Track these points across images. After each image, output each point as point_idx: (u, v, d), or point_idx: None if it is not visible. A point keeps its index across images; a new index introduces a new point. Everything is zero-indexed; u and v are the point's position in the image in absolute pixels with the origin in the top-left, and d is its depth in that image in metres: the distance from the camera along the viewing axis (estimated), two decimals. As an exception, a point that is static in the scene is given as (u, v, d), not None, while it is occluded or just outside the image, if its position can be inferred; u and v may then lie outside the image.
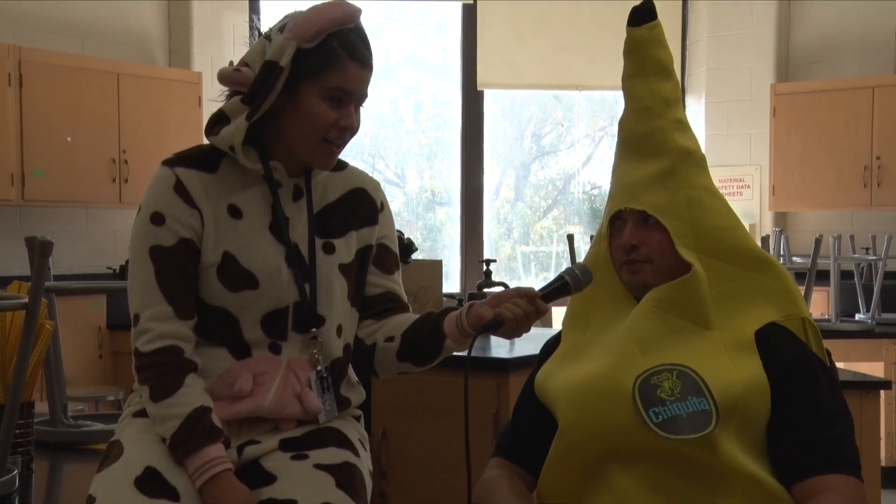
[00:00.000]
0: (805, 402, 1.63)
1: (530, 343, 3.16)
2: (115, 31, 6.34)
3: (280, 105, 1.73)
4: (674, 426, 1.58)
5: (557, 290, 1.74)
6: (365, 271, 1.88)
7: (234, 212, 1.76)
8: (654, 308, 1.70)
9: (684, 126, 1.78)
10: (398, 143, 7.81)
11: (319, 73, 1.70)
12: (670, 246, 1.71)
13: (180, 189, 1.73)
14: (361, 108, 1.79)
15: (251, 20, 6.65)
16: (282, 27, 1.73)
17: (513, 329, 1.72)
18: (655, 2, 1.80)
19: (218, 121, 1.77)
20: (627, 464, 1.64)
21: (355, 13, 1.74)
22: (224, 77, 1.78)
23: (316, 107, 1.72)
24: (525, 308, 1.72)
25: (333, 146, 1.76)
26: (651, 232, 1.72)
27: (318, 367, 1.79)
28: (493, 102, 7.54)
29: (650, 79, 1.77)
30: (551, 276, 7.73)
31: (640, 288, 1.75)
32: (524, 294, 1.73)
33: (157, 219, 1.72)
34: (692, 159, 1.76)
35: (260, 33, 1.79)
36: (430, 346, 1.81)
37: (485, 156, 7.40)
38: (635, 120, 1.78)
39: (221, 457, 1.65)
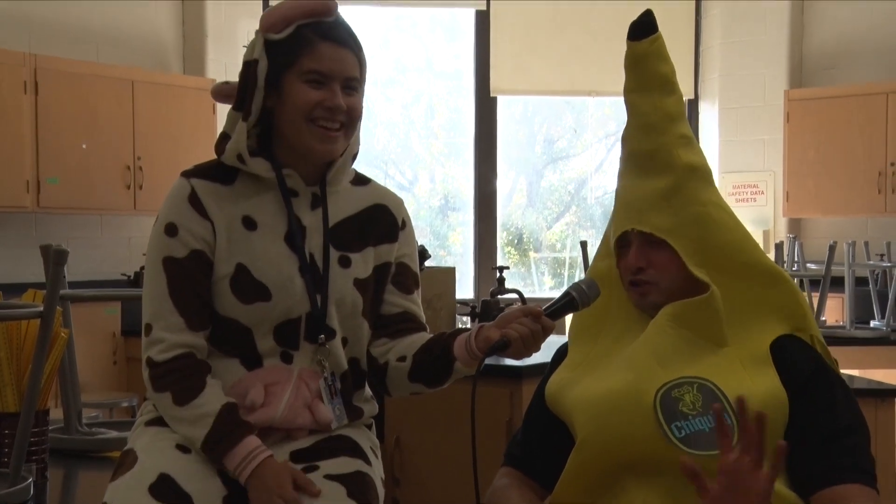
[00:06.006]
0: (821, 413, 1.63)
1: (543, 351, 3.15)
2: (129, 38, 6.37)
3: (271, 104, 1.75)
4: (697, 441, 1.57)
5: (564, 306, 1.72)
6: (382, 289, 1.87)
7: (249, 223, 1.76)
8: (669, 323, 1.69)
9: (689, 140, 1.76)
10: (409, 149, 7.82)
11: (294, 60, 1.72)
12: (678, 265, 1.69)
13: (194, 200, 1.74)
14: (363, 95, 1.78)
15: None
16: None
17: (520, 349, 1.70)
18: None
19: (223, 140, 1.79)
20: (645, 477, 1.63)
21: (331, 7, 1.74)
22: (216, 92, 1.83)
23: (298, 90, 1.72)
24: (531, 326, 1.69)
25: (325, 129, 1.73)
26: (658, 252, 1.71)
27: (325, 375, 1.79)
28: (506, 108, 7.55)
29: (653, 94, 1.74)
30: (564, 281, 7.74)
31: (647, 309, 1.74)
32: (529, 313, 1.70)
33: (171, 230, 1.73)
34: (698, 174, 1.73)
35: None
36: (441, 369, 1.80)
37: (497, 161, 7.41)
38: (639, 136, 1.76)
39: (260, 446, 1.66)
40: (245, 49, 1.80)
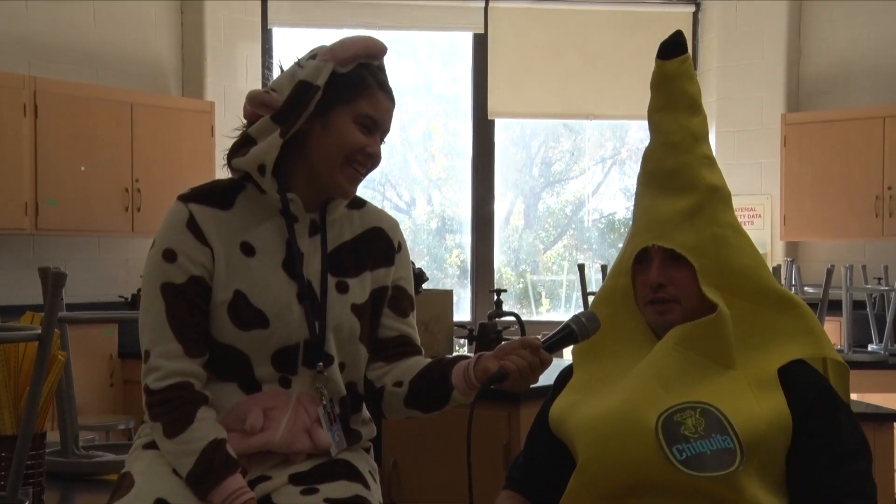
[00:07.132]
0: (825, 438, 1.63)
1: (542, 377, 3.14)
2: (129, 61, 6.39)
3: (308, 127, 1.74)
4: (698, 463, 1.57)
5: (563, 339, 1.71)
6: (379, 313, 1.87)
7: (247, 249, 1.76)
8: (676, 346, 1.69)
9: (711, 162, 1.77)
10: (407, 171, 7.84)
11: (352, 98, 1.73)
12: (696, 285, 1.69)
13: (193, 226, 1.73)
14: (383, 143, 1.81)
15: (263, 57, 6.68)
16: (313, 56, 1.77)
17: (517, 381, 1.69)
18: (666, 32, 1.79)
19: (243, 144, 1.77)
20: (647, 499, 1.63)
21: (384, 49, 1.79)
22: (254, 98, 1.77)
23: (348, 129, 1.73)
24: (529, 359, 1.68)
25: (357, 172, 1.77)
26: (678, 270, 1.71)
27: (324, 401, 1.78)
28: (503, 130, 7.57)
29: (679, 113, 1.75)
30: (561, 303, 7.74)
31: (665, 328, 1.73)
32: (528, 345, 1.70)
33: (169, 255, 1.72)
34: (719, 196, 1.75)
35: (281, 69, 1.81)
36: (438, 396, 1.80)
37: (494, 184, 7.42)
38: (663, 155, 1.76)
39: (242, 487, 1.65)
40: (296, 64, 1.78)
